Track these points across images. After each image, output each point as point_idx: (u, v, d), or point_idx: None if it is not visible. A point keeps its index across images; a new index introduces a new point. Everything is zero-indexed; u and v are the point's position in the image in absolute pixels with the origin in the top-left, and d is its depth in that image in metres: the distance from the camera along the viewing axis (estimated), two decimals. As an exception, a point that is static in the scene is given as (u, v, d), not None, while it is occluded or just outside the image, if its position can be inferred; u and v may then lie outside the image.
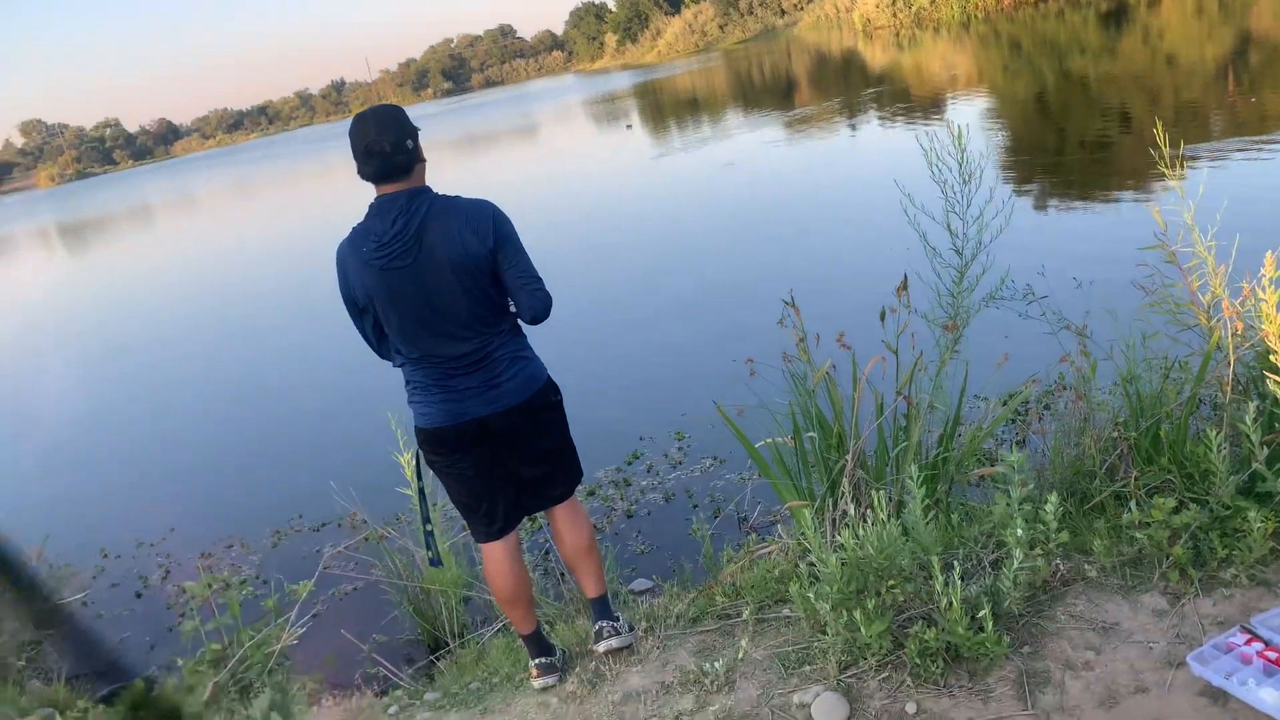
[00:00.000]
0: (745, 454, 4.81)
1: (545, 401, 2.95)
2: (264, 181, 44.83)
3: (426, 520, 3.16)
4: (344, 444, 7.27)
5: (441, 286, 2.72)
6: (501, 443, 2.92)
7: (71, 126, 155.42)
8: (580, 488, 5.44)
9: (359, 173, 2.76)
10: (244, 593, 3.76)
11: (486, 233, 2.73)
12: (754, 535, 4.15)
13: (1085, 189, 10.15)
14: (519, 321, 2.92)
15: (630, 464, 5.77)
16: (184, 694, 3.46)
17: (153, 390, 10.45)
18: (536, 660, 3.10)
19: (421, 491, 3.09)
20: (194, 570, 5.43)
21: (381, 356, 3.01)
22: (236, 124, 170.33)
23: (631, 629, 3.21)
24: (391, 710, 3.19)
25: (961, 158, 3.45)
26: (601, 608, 3.16)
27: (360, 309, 2.86)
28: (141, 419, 9.42)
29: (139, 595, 5.38)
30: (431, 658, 3.94)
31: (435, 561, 3.32)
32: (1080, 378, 3.58)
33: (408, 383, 2.92)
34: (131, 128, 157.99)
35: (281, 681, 3.50)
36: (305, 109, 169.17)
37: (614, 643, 3.10)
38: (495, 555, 3.05)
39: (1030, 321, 4.33)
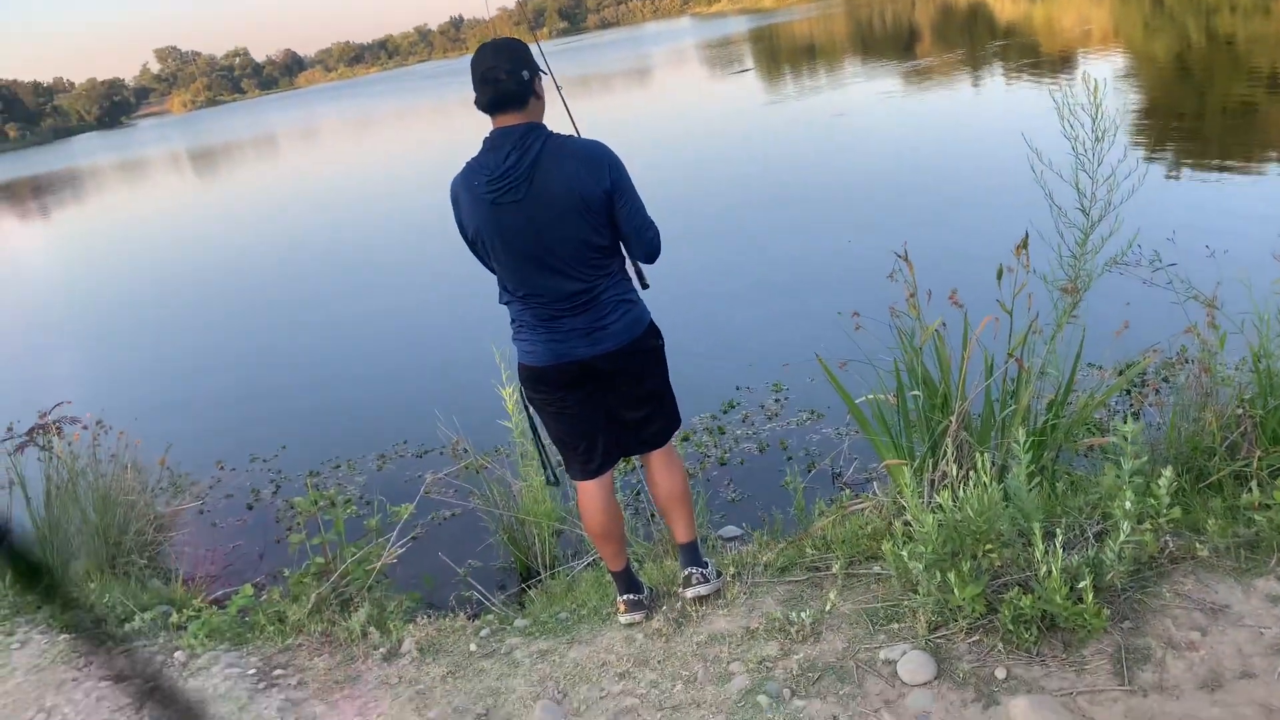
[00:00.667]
0: (844, 409, 4.76)
1: (648, 345, 2.94)
2: (384, 116, 45.70)
3: (540, 446, 3.19)
4: (449, 374, 7.46)
5: (552, 224, 2.70)
6: (603, 383, 2.92)
7: (204, 54, 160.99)
8: (676, 434, 5.52)
9: (475, 103, 2.73)
10: (348, 512, 3.89)
11: (603, 174, 2.71)
12: (848, 491, 4.11)
13: (1225, 156, 9.58)
14: (627, 264, 2.92)
15: (726, 412, 5.77)
16: (289, 602, 3.64)
17: (272, 313, 10.89)
18: (625, 596, 3.13)
19: (532, 421, 3.10)
20: (302, 487, 5.68)
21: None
22: (358, 57, 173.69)
23: (720, 575, 3.23)
24: (483, 633, 3.29)
25: (1096, 113, 3.29)
26: (691, 553, 3.17)
27: (474, 244, 2.86)
28: (262, 341, 9.84)
29: (250, 507, 5.66)
30: (523, 586, 4.05)
31: (553, 480, 3.39)
32: (1206, 350, 3.41)
33: (513, 320, 2.92)
34: (259, 57, 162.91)
35: (380, 598, 3.66)
36: (424, 44, 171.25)
37: (701, 589, 3.11)
38: (590, 492, 3.07)
39: (1155, 290, 4.14)
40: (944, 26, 32.73)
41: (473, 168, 2.74)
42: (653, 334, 2.98)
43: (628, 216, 2.77)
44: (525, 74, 2.69)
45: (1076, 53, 18.95)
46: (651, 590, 3.26)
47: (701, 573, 3.14)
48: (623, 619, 3.12)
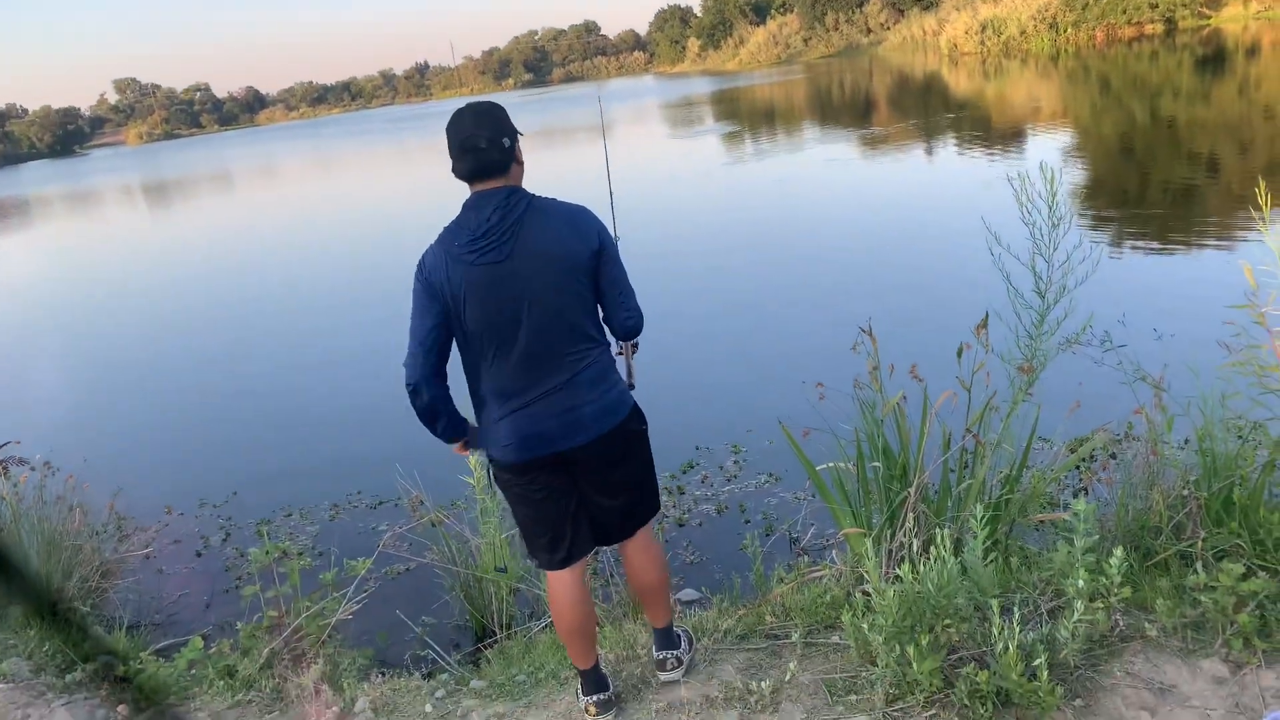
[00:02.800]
0: (802, 474, 4.83)
1: (630, 430, 2.78)
2: (344, 157, 45.64)
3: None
4: (408, 423, 7.35)
5: (533, 287, 2.57)
6: (579, 470, 2.77)
7: (164, 87, 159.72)
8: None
9: (453, 170, 2.60)
10: (302, 564, 3.84)
11: (590, 235, 2.64)
12: (806, 558, 4.15)
13: (1168, 238, 9.94)
14: (613, 350, 2.83)
15: (685, 472, 5.80)
16: (239, 657, 3.57)
17: (224, 356, 10.72)
18: (594, 697, 2.96)
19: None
20: (253, 535, 5.58)
21: (412, 375, 2.67)
22: (320, 98, 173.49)
23: (691, 644, 3.20)
24: (439, 694, 3.26)
25: (1052, 200, 3.43)
26: (666, 637, 3.10)
27: (441, 317, 2.62)
28: (214, 384, 9.66)
29: (199, 554, 5.54)
30: (478, 645, 4.01)
31: (502, 569, 3.36)
32: (1153, 431, 3.53)
33: (478, 405, 2.75)
34: (220, 93, 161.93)
35: (333, 654, 3.61)
36: (388, 88, 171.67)
37: (675, 674, 3.08)
38: (559, 584, 2.89)
39: (1105, 370, 4.29)
40: (901, 97, 33.67)
41: (451, 230, 2.62)
42: (636, 419, 2.83)
43: (611, 282, 2.70)
44: (506, 141, 2.60)
45: (1027, 129, 19.59)
46: (617, 688, 3.07)
47: (677, 656, 3.10)
48: None
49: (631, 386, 2.92)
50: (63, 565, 4.32)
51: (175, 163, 61.36)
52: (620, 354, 2.97)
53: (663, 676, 3.09)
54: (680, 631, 3.21)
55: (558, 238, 2.59)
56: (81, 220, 33.47)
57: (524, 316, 2.59)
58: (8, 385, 10.70)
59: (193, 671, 3.54)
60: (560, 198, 2.72)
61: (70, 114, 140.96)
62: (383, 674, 3.51)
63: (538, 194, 2.69)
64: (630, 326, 2.79)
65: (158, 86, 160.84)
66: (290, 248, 18.81)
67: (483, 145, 2.56)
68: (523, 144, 2.72)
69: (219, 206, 32.37)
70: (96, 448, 7.32)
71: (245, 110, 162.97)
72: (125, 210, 35.45)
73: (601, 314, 2.78)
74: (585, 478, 2.80)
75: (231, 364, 10.30)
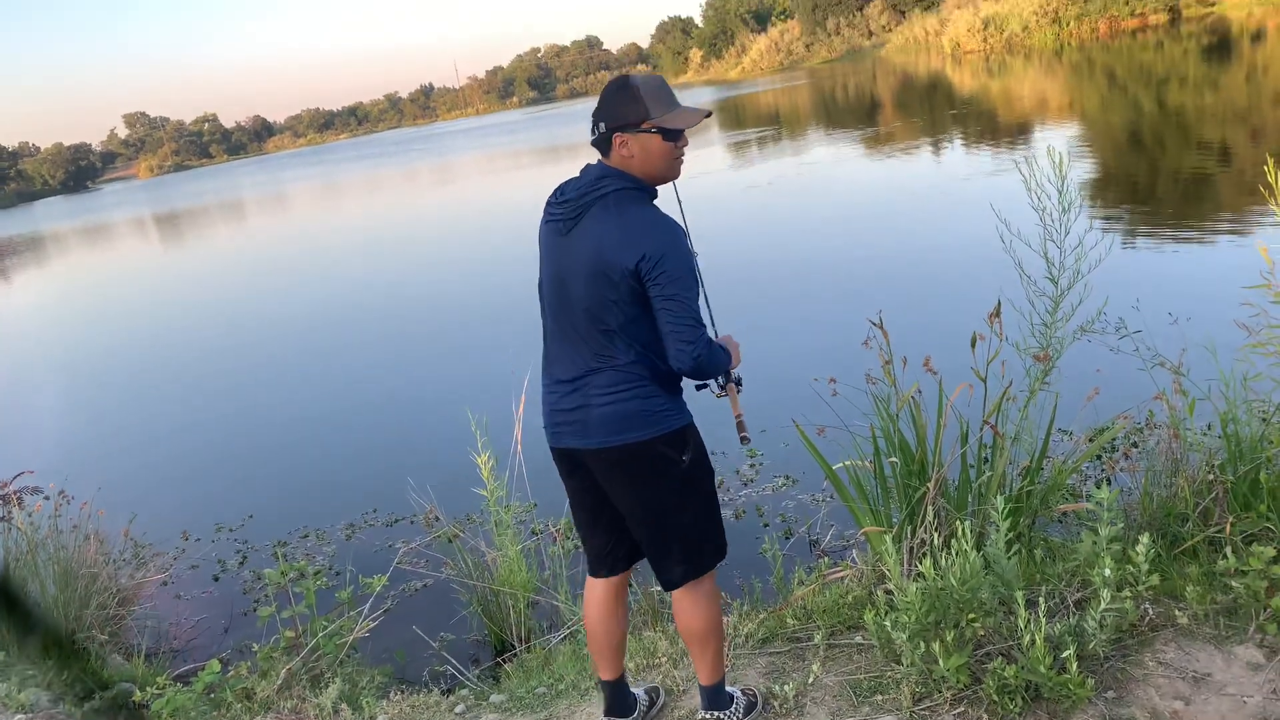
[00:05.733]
0: (819, 475, 4.77)
1: (652, 453, 2.44)
2: (351, 182, 45.92)
3: None
4: (421, 440, 7.39)
5: (574, 276, 2.42)
6: (602, 480, 2.54)
7: (172, 120, 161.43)
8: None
9: None
10: (319, 583, 3.81)
11: (630, 253, 2.32)
12: (826, 559, 4.09)
13: (1179, 224, 9.84)
14: (653, 363, 2.45)
15: (701, 478, 5.74)
16: (257, 679, 3.54)
17: (236, 380, 10.74)
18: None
19: None
20: (269, 558, 5.56)
21: None
22: (327, 124, 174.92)
23: (751, 709, 2.82)
24: (458, 709, 3.21)
25: (1062, 185, 3.38)
26: (712, 696, 2.75)
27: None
28: (226, 408, 9.68)
29: (216, 579, 5.52)
30: (497, 659, 3.97)
31: None
32: (1175, 416, 3.47)
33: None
34: (228, 123, 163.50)
35: (351, 673, 3.57)
36: (394, 111, 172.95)
37: None
38: (592, 592, 2.74)
39: (1123, 356, 4.22)
40: (905, 98, 33.63)
41: (563, 183, 2.53)
42: (667, 442, 2.45)
43: (660, 310, 2.33)
44: (601, 126, 2.42)
45: (1033, 123, 19.52)
46: (647, 701, 2.93)
47: (720, 716, 2.75)
48: None
49: (745, 440, 2.65)
50: (80, 594, 4.30)
51: (186, 193, 61.89)
52: (723, 393, 2.72)
53: None
54: (737, 692, 2.84)
55: (602, 241, 2.36)
56: (94, 253, 33.77)
57: (568, 298, 2.45)
58: (22, 415, 10.75)
59: (211, 695, 3.51)
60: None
61: (81, 150, 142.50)
62: (402, 691, 3.47)
63: (638, 192, 2.44)
64: (682, 363, 2.35)
65: (166, 119, 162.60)
66: (300, 273, 18.88)
67: (593, 120, 2.45)
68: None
69: (228, 235, 32.59)
70: (111, 475, 7.31)
71: (253, 139, 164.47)
72: (137, 242, 35.73)
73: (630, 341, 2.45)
74: (608, 488, 2.55)
75: (243, 388, 10.33)
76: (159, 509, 6.49)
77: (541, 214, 2.54)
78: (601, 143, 2.44)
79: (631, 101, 2.39)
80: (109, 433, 9.42)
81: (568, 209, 2.44)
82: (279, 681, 3.44)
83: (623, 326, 2.38)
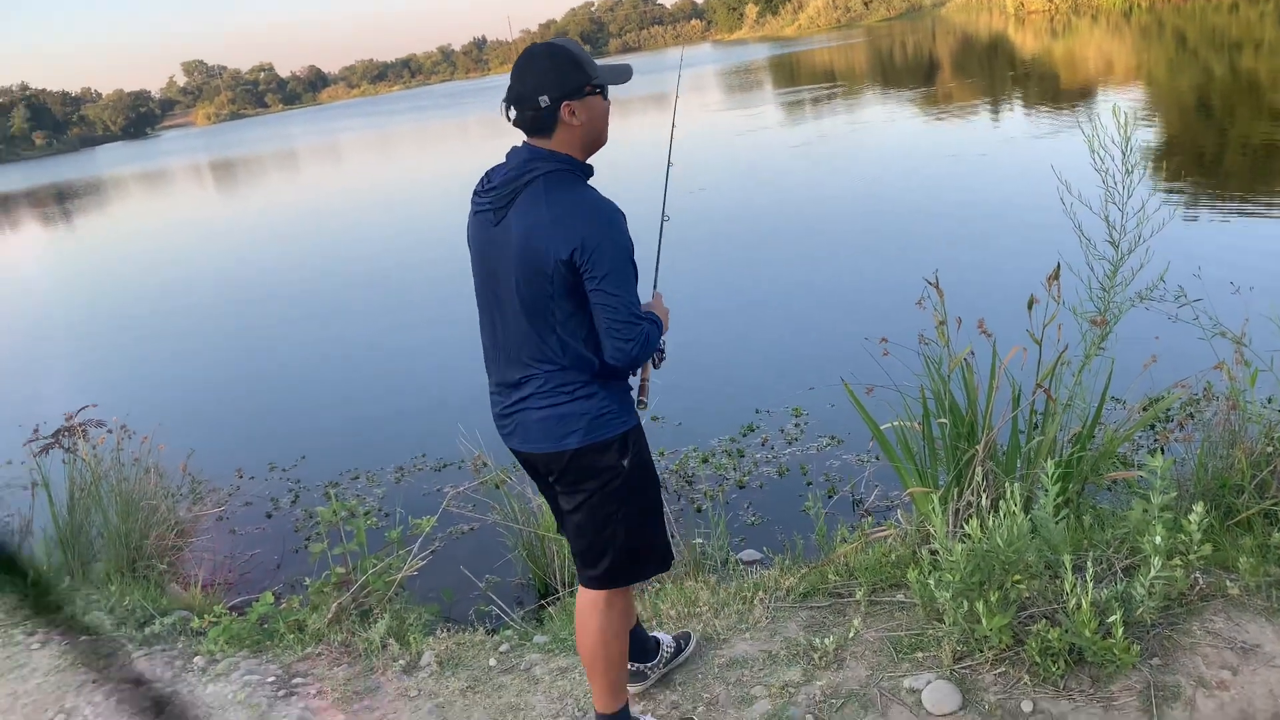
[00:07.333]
0: (864, 435, 4.76)
1: (595, 464, 2.33)
2: (404, 133, 46.08)
3: None
4: (470, 385, 7.44)
5: (506, 273, 2.27)
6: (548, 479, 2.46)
7: (229, 68, 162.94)
8: (694, 453, 5.52)
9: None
10: (369, 523, 3.90)
11: (568, 239, 2.15)
12: (870, 518, 4.10)
13: (1247, 194, 9.56)
14: (594, 361, 2.30)
15: (745, 435, 5.76)
16: (308, 612, 3.65)
17: (292, 324, 10.93)
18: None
19: None
20: (320, 497, 5.69)
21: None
22: (381, 75, 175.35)
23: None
24: (503, 649, 3.28)
25: (1125, 145, 3.30)
26: None
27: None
28: (281, 351, 9.88)
29: (269, 516, 5.67)
30: (541, 602, 4.04)
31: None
32: (1235, 387, 3.40)
33: None
34: (284, 73, 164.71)
35: (400, 609, 3.66)
36: (446, 64, 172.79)
37: None
38: (578, 597, 2.60)
39: (1181, 325, 4.13)
40: (965, 59, 32.86)
41: (488, 171, 2.38)
42: (608, 448, 2.32)
43: (596, 305, 2.19)
44: (544, 99, 2.21)
45: (1098, 87, 18.98)
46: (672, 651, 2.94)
47: None
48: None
49: (642, 404, 2.52)
50: (140, 524, 4.44)
51: (242, 140, 62.57)
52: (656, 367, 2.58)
53: None
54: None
55: (533, 229, 2.19)
56: (155, 198, 34.37)
57: (499, 296, 2.32)
58: (86, 351, 11.07)
59: (264, 625, 3.62)
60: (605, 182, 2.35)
61: (141, 97, 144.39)
62: (448, 629, 3.56)
63: (570, 173, 2.27)
64: (619, 361, 2.23)
65: (224, 68, 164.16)
66: (359, 219, 19.07)
67: (518, 99, 2.25)
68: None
69: (286, 182, 32.95)
70: (170, 412, 7.50)
71: (308, 89, 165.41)
72: (196, 187, 36.29)
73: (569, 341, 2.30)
74: (556, 493, 2.47)
75: (300, 332, 10.52)
76: (215, 447, 6.66)
77: (469, 206, 2.37)
78: (541, 120, 2.24)
79: (573, 66, 2.24)
80: (169, 372, 9.68)
81: (495, 197, 2.27)
82: (329, 615, 3.54)
83: (561, 323, 2.24)
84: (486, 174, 2.36)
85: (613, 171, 2.30)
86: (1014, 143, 14.20)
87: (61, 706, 3.21)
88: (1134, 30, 30.96)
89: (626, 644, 2.58)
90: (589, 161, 2.36)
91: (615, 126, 2.45)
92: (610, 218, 2.22)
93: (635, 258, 2.26)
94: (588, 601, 2.49)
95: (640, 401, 2.52)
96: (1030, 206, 9.47)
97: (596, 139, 2.34)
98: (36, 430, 4.69)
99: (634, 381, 2.51)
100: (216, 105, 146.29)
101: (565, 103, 2.23)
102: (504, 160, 2.32)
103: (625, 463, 2.35)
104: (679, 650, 2.97)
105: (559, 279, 2.18)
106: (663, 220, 2.51)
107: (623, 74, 2.37)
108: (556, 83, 2.23)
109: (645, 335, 2.23)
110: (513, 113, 2.27)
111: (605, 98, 2.33)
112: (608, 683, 2.52)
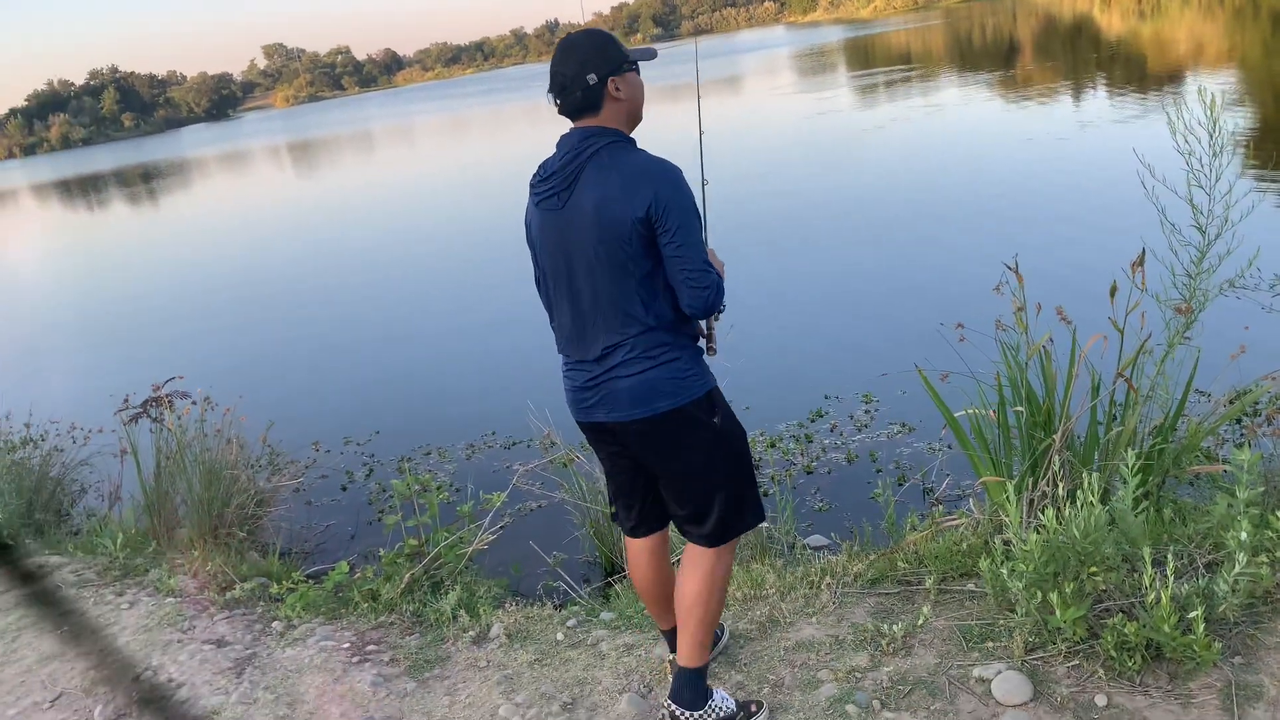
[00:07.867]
0: (936, 423, 4.69)
1: (684, 419, 2.42)
2: (479, 116, 46.51)
3: None
4: (540, 364, 7.53)
5: (580, 248, 2.37)
6: (634, 448, 2.52)
7: (308, 52, 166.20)
8: (762, 437, 5.51)
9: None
10: (440, 497, 3.98)
11: (640, 199, 2.28)
12: (941, 507, 4.05)
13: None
14: (672, 326, 2.41)
15: (814, 421, 5.72)
16: (381, 582, 3.74)
17: (369, 303, 11.17)
18: (674, 655, 2.73)
19: None
20: (394, 471, 5.82)
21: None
22: (454, 58, 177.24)
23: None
24: (570, 623, 3.33)
25: (1213, 127, 3.18)
26: (683, 684, 2.59)
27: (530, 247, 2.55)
28: (359, 328, 10.10)
29: (344, 489, 5.82)
30: (607, 580, 4.08)
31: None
32: (1331, 381, 3.28)
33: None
34: (360, 56, 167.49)
35: (470, 582, 3.73)
36: (519, 47, 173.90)
37: None
38: (633, 550, 2.75)
39: (1274, 315, 3.99)
40: (1047, 41, 31.97)
41: (542, 163, 2.50)
42: (697, 407, 2.42)
43: (671, 255, 2.31)
44: (591, 78, 2.36)
45: (1187, 71, 18.32)
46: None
47: (678, 713, 2.58)
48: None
49: (712, 351, 2.61)
50: (222, 493, 4.59)
51: (320, 122, 63.81)
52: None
53: None
54: (721, 696, 2.64)
55: (605, 198, 2.31)
56: (239, 177, 35.28)
57: (576, 273, 2.41)
58: (175, 324, 11.45)
59: (339, 594, 3.73)
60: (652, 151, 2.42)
61: (224, 79, 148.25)
62: (516, 602, 3.61)
63: (625, 142, 2.41)
64: (695, 308, 2.36)
65: (302, 50, 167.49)
66: (430, 200, 19.36)
67: (567, 84, 2.39)
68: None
69: (363, 163, 33.54)
70: (251, 385, 7.73)
71: (384, 72, 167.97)
72: (276, 169, 37.15)
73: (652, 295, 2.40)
74: (642, 457, 2.53)
75: (376, 310, 10.75)
76: (293, 420, 6.84)
77: (529, 204, 2.48)
78: (590, 98, 2.38)
79: (612, 45, 2.43)
80: (251, 346, 9.98)
81: (558, 180, 2.38)
82: (402, 585, 3.62)
83: (640, 281, 2.34)
84: (541, 165, 2.48)
85: (661, 149, 2.40)
86: (1096, 127, 13.79)
87: (148, 664, 3.34)
88: (1227, 12, 29.76)
89: (723, 603, 2.65)
90: (632, 135, 2.49)
91: (677, 107, 2.54)
92: (676, 175, 2.35)
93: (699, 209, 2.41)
94: (695, 558, 2.56)
95: (710, 348, 2.62)
96: (1111, 192, 9.21)
97: (636, 112, 2.49)
98: (126, 400, 4.88)
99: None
100: (295, 88, 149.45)
101: (610, 78, 2.39)
102: (555, 150, 2.45)
103: (716, 420, 2.46)
104: (715, 640, 2.93)
105: (636, 238, 2.31)
106: (703, 184, 2.65)
107: (649, 54, 2.54)
108: (601, 61, 2.39)
109: (717, 283, 2.38)
110: (560, 100, 2.42)
111: (638, 73, 2.50)
112: (699, 640, 2.56)
